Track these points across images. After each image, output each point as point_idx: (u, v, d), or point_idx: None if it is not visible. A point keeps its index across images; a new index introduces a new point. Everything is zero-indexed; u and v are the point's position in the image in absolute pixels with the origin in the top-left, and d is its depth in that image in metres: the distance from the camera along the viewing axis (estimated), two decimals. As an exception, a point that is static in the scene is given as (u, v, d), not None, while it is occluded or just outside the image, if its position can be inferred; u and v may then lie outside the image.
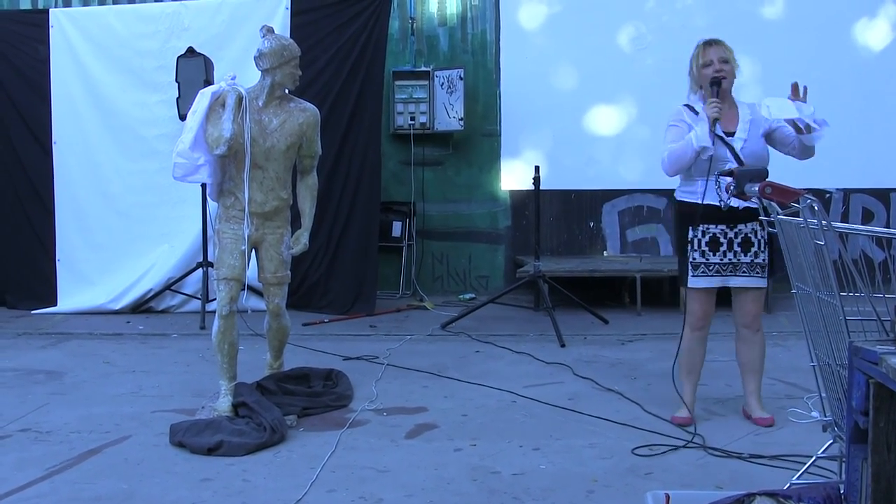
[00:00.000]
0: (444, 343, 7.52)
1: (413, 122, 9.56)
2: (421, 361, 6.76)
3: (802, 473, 3.77)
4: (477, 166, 9.87)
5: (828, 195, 9.44)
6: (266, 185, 5.51)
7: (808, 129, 4.90)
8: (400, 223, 9.73)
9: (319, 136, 5.75)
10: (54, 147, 9.00)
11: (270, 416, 5.12)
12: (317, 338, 7.67)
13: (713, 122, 4.95)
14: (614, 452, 4.78)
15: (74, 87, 8.98)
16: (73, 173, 8.99)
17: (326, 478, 4.48)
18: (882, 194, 9.55)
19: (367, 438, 5.08)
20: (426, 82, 9.52)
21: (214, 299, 5.60)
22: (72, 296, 8.93)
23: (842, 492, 3.19)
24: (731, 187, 3.93)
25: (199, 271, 8.47)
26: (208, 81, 7.73)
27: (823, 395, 3.61)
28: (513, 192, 9.81)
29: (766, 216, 3.80)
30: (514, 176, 9.72)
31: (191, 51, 8.18)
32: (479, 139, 9.85)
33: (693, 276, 5.10)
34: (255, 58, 5.48)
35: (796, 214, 3.40)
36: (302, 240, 5.75)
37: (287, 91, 5.60)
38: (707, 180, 4.84)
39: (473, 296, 9.61)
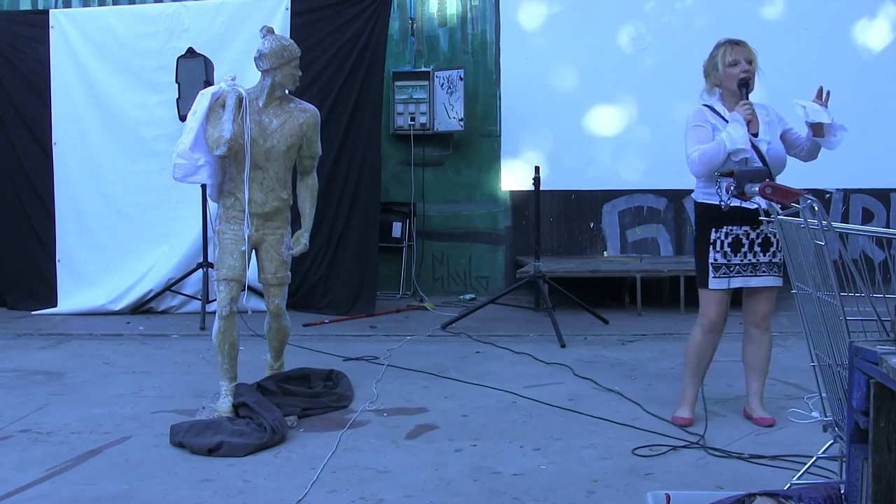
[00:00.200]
0: (445, 343, 7.52)
1: (413, 122, 9.56)
2: (421, 362, 6.76)
3: (803, 473, 3.77)
4: (477, 167, 9.87)
5: (828, 195, 9.45)
6: (266, 185, 5.51)
7: (820, 131, 4.95)
8: (400, 224, 9.72)
9: (319, 136, 5.75)
10: (54, 148, 9.00)
11: (271, 416, 5.12)
12: (317, 338, 7.67)
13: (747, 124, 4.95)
14: (615, 453, 4.78)
15: (74, 87, 8.98)
16: (73, 174, 8.99)
17: (327, 478, 4.48)
18: (882, 194, 9.55)
19: (368, 439, 5.08)
20: (426, 83, 9.52)
21: (215, 300, 5.60)
22: (72, 296, 8.93)
23: (842, 492, 3.19)
24: (732, 188, 3.92)
25: (200, 272, 8.47)
26: (208, 82, 7.73)
27: (824, 395, 3.61)
28: (513, 193, 9.81)
29: (766, 217, 3.80)
30: (514, 176, 9.72)
31: (191, 51, 8.18)
32: (480, 139, 9.85)
33: (714, 276, 5.06)
34: (255, 58, 5.48)
35: (796, 215, 3.40)
36: (302, 240, 5.75)
37: (287, 92, 5.60)
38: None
39: (474, 296, 9.61)
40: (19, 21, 9.26)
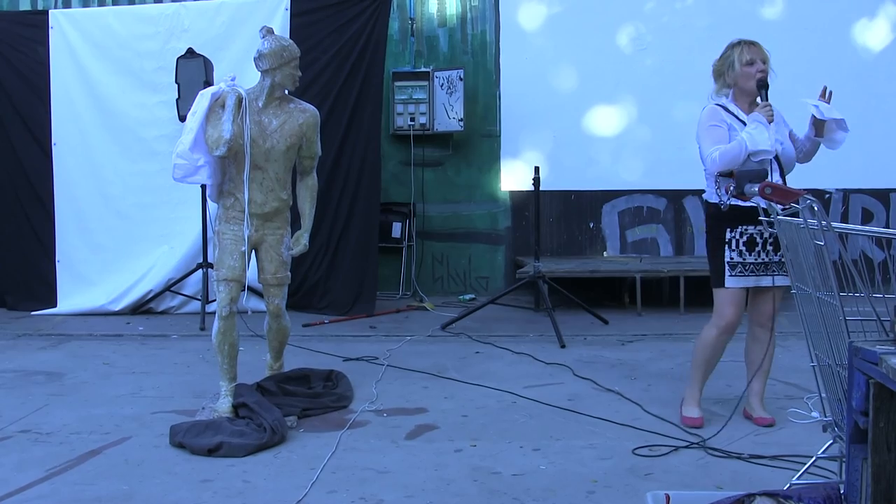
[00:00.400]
0: (445, 344, 7.52)
1: (413, 122, 9.56)
2: (421, 362, 6.76)
3: (802, 473, 3.77)
4: (477, 167, 9.87)
5: (827, 195, 9.45)
6: (266, 185, 5.51)
7: (821, 130, 4.96)
8: (400, 224, 9.72)
9: (319, 136, 5.75)
10: (54, 148, 8.99)
11: (271, 416, 5.12)
12: (317, 339, 7.67)
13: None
14: (614, 453, 4.78)
15: (74, 88, 8.98)
16: (72, 174, 8.99)
17: (327, 479, 4.48)
18: (882, 195, 9.56)
19: (368, 439, 5.08)
20: (426, 83, 9.52)
21: (214, 300, 5.60)
22: (72, 297, 8.93)
23: (842, 492, 3.19)
24: (731, 188, 3.92)
25: (199, 272, 8.47)
26: (208, 82, 7.73)
27: (823, 395, 3.61)
28: (513, 193, 9.81)
29: (766, 217, 3.80)
30: (513, 176, 9.72)
31: (190, 52, 8.18)
32: (479, 140, 9.85)
33: (731, 275, 5.03)
34: (254, 59, 5.48)
35: (796, 215, 3.41)
36: (302, 241, 5.75)
37: (287, 92, 5.60)
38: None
39: (473, 296, 9.61)
40: (19, 21, 9.25)
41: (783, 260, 4.96)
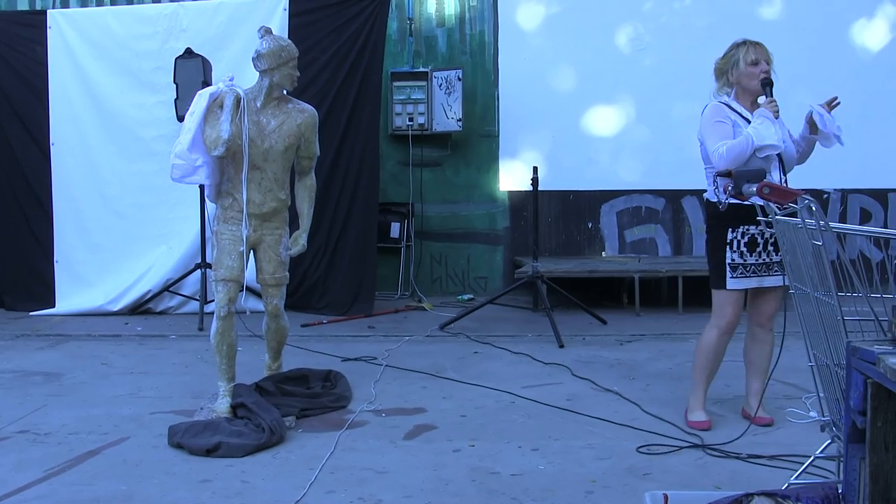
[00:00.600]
0: (443, 344, 7.52)
1: (411, 122, 9.56)
2: (419, 362, 6.76)
3: (801, 473, 3.77)
4: (475, 167, 9.88)
5: (826, 196, 9.46)
6: (264, 186, 5.50)
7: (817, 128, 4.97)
8: (398, 224, 9.73)
9: (318, 136, 5.74)
10: (52, 148, 8.99)
11: (269, 417, 5.12)
12: (315, 339, 7.67)
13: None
14: (613, 453, 4.78)
15: (72, 88, 8.98)
16: (71, 175, 8.99)
17: (325, 479, 4.48)
18: (880, 195, 9.57)
19: (366, 439, 5.08)
20: (424, 83, 9.53)
21: (213, 300, 5.60)
22: (70, 297, 8.93)
23: (840, 492, 3.19)
24: (730, 188, 3.92)
25: (198, 272, 8.47)
26: (206, 82, 7.74)
27: (821, 395, 3.61)
28: (511, 193, 9.81)
29: (764, 217, 3.80)
30: (512, 177, 9.73)
31: (189, 52, 8.17)
32: (478, 140, 9.85)
33: (732, 277, 5.02)
34: (253, 59, 5.48)
35: (794, 215, 3.41)
36: (300, 241, 5.75)
37: (285, 92, 5.60)
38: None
39: (472, 296, 9.62)
40: (17, 21, 9.25)
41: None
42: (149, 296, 8.81)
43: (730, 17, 9.22)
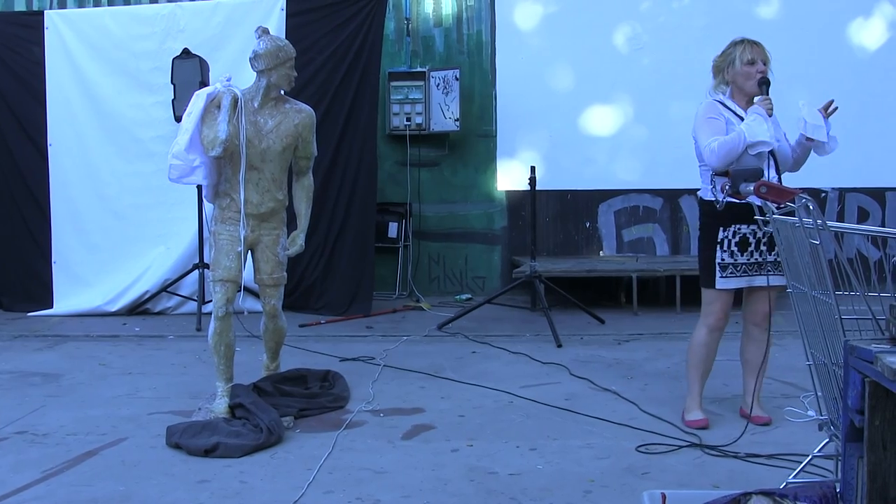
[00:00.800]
0: (441, 344, 7.52)
1: (409, 122, 9.56)
2: (418, 362, 6.76)
3: (799, 472, 3.77)
4: (473, 167, 9.88)
5: (823, 194, 9.46)
6: (262, 186, 5.50)
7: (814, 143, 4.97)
8: (396, 224, 9.73)
9: (315, 137, 5.74)
10: (50, 149, 8.99)
11: (267, 417, 5.12)
12: (313, 339, 7.67)
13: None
14: (611, 452, 4.78)
15: (70, 88, 8.97)
16: (68, 175, 8.98)
17: (323, 479, 4.48)
18: (877, 193, 9.57)
19: (364, 439, 5.08)
20: (422, 83, 9.53)
21: (211, 301, 5.60)
22: (68, 298, 8.93)
23: (838, 490, 3.19)
24: (727, 187, 3.93)
25: (196, 273, 8.47)
26: (204, 83, 7.73)
27: (819, 393, 3.61)
28: (509, 193, 9.82)
29: (761, 216, 3.80)
30: (510, 176, 9.73)
31: (186, 52, 8.17)
32: (475, 140, 9.85)
33: (722, 276, 5.03)
34: (250, 59, 5.47)
35: (792, 214, 3.41)
36: (298, 241, 5.74)
37: (283, 92, 5.60)
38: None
39: (470, 296, 9.62)
40: (14, 22, 9.25)
41: (777, 259, 4.97)
42: (147, 296, 8.80)
43: (728, 17, 9.22)
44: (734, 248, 5.01)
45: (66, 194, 9.00)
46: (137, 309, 8.81)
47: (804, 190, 3.37)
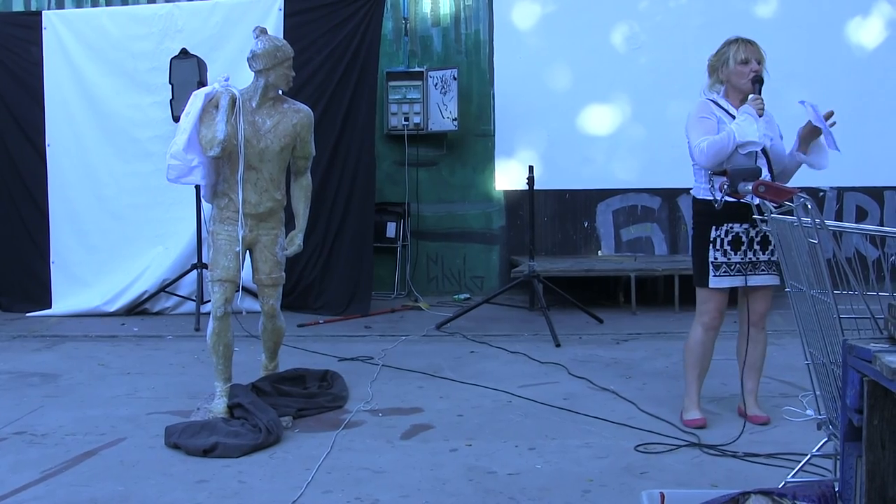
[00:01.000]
0: (440, 343, 7.52)
1: (407, 122, 9.56)
2: (416, 362, 6.76)
3: (797, 472, 3.77)
4: (471, 166, 9.88)
5: (822, 194, 9.47)
6: (260, 186, 5.50)
7: (806, 145, 4.95)
8: (394, 224, 9.74)
9: (313, 137, 5.74)
10: (48, 149, 8.98)
11: (266, 417, 5.12)
12: (312, 339, 7.67)
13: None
14: (610, 452, 4.79)
15: (68, 89, 8.97)
16: (67, 176, 8.98)
17: (322, 479, 4.48)
18: (876, 192, 9.58)
19: (363, 439, 5.08)
20: (420, 83, 9.53)
21: (209, 301, 5.60)
22: (66, 298, 8.92)
23: (836, 490, 3.19)
24: (725, 186, 3.93)
25: (194, 273, 8.47)
26: (202, 83, 7.73)
27: (818, 393, 3.61)
28: (507, 193, 9.82)
29: (759, 215, 3.80)
30: (508, 176, 9.73)
31: (184, 52, 8.16)
32: (473, 139, 9.86)
33: (715, 276, 5.04)
34: (248, 59, 5.48)
35: (790, 213, 3.41)
36: (296, 241, 5.74)
37: (281, 92, 5.60)
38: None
39: (468, 296, 9.62)
40: (12, 22, 9.25)
41: (772, 259, 4.98)
42: (145, 296, 8.80)
43: (725, 16, 9.22)
44: (727, 247, 5.02)
45: (65, 194, 9.00)
46: (136, 309, 8.81)
47: (802, 189, 3.36)
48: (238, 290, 5.47)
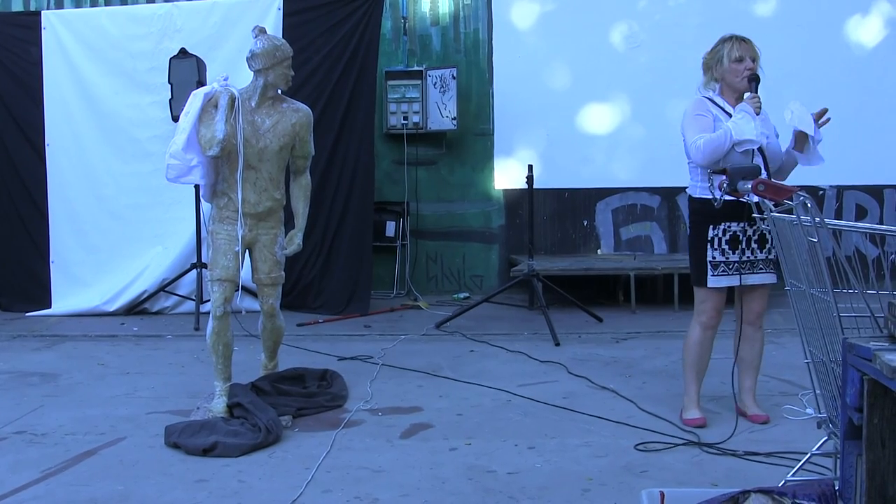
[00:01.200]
0: (439, 343, 7.52)
1: (406, 121, 9.56)
2: (416, 361, 6.76)
3: (797, 470, 3.77)
4: (470, 165, 9.88)
5: (821, 192, 9.46)
6: (259, 185, 5.50)
7: (801, 144, 4.95)
8: (394, 223, 9.73)
9: (312, 136, 5.74)
10: (47, 149, 8.98)
11: (265, 416, 5.12)
12: (311, 338, 7.67)
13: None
14: (609, 451, 4.79)
15: (67, 89, 8.96)
16: (66, 175, 8.98)
17: (322, 478, 4.48)
18: (875, 191, 9.57)
19: (363, 438, 5.08)
20: (419, 82, 9.52)
21: (209, 300, 5.60)
22: (66, 298, 8.92)
23: (836, 488, 3.19)
24: (724, 185, 3.93)
25: (194, 272, 8.46)
26: (201, 82, 7.72)
27: (818, 391, 3.61)
28: (506, 192, 9.81)
29: (758, 213, 3.80)
30: (507, 175, 9.73)
31: (183, 52, 8.16)
32: (473, 138, 9.85)
33: (713, 275, 5.03)
34: (247, 58, 5.48)
35: (790, 212, 3.41)
36: (295, 240, 5.74)
37: (280, 91, 5.60)
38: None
39: (468, 295, 9.62)
40: (11, 22, 9.24)
41: (769, 257, 4.98)
42: (145, 296, 8.80)
43: (724, 15, 9.20)
44: (725, 247, 5.01)
45: (64, 194, 8.99)
46: (135, 309, 8.81)
47: (802, 187, 3.36)
48: (237, 290, 5.47)
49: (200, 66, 8.07)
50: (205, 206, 6.85)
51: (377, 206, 9.35)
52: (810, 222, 3.23)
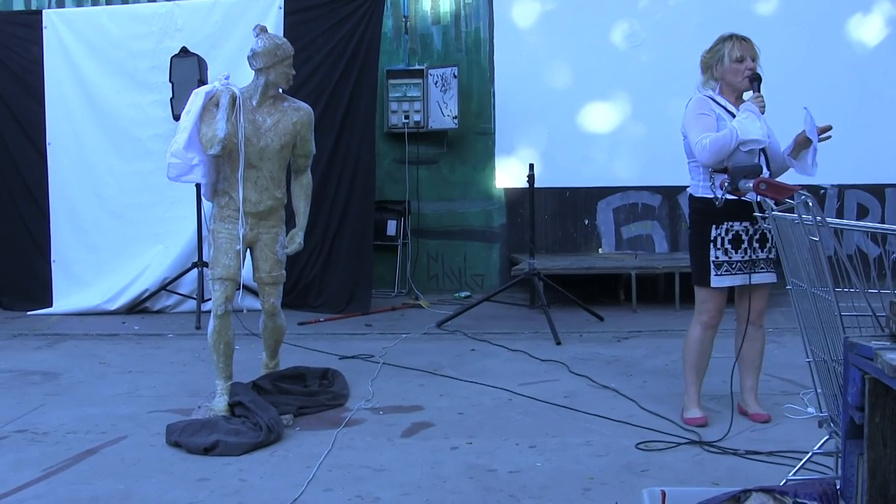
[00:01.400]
0: (440, 341, 7.52)
1: (407, 120, 9.56)
2: (417, 360, 6.76)
3: (799, 469, 3.78)
4: (471, 164, 9.88)
5: (822, 191, 9.46)
6: (260, 184, 5.50)
7: (800, 150, 4.95)
8: (395, 222, 9.73)
9: (313, 135, 5.74)
10: (48, 148, 8.98)
11: (266, 415, 5.12)
12: (312, 337, 7.67)
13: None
14: (610, 450, 4.78)
15: (68, 88, 8.96)
16: (67, 174, 8.98)
17: (323, 477, 4.48)
18: (877, 190, 9.57)
19: (364, 437, 5.08)
20: (420, 81, 9.52)
21: (210, 299, 5.60)
22: (67, 297, 8.92)
23: (838, 487, 3.19)
24: (726, 184, 3.93)
25: (195, 271, 8.47)
26: (202, 81, 7.72)
27: (819, 390, 3.61)
28: (507, 190, 9.81)
29: (760, 213, 3.80)
30: (508, 174, 9.73)
31: (184, 51, 8.16)
32: (474, 137, 9.85)
33: (716, 275, 5.01)
34: (248, 57, 5.47)
35: (791, 211, 3.41)
36: (297, 239, 5.74)
37: (281, 90, 5.59)
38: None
39: (469, 294, 9.62)
40: (12, 21, 9.24)
41: (770, 256, 4.97)
42: (146, 295, 8.80)
43: (724, 14, 9.18)
44: (727, 246, 4.99)
45: (65, 193, 9.00)
46: (137, 307, 8.81)
47: (803, 187, 3.36)
48: (239, 289, 5.48)
49: (201, 64, 8.07)
50: (206, 204, 6.85)
51: (378, 204, 9.35)
52: (811, 221, 3.23)
